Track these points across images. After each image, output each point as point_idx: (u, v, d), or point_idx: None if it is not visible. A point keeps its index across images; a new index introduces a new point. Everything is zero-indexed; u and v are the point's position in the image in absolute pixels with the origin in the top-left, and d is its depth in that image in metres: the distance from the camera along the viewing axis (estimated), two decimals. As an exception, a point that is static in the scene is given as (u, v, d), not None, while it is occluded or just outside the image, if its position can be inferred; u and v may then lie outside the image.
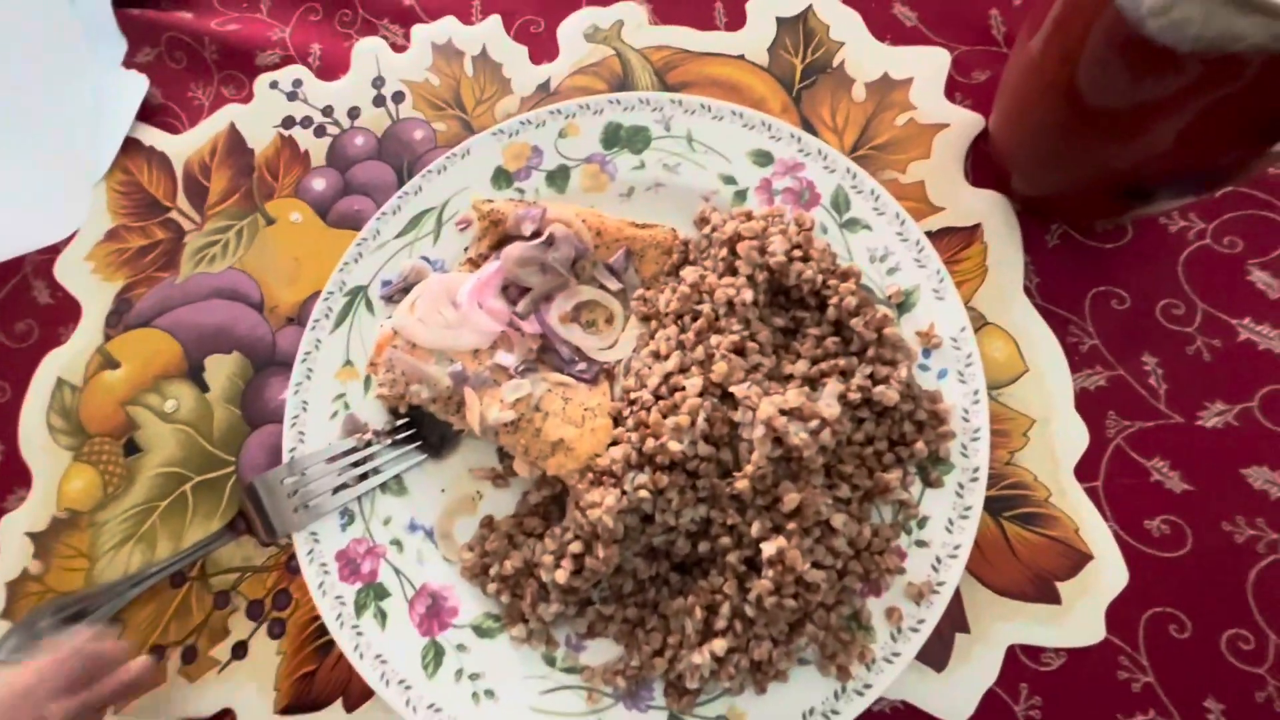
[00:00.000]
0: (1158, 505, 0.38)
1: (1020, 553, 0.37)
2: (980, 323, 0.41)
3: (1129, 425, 0.39)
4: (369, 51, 0.54)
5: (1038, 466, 0.39)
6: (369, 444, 0.41)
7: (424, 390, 0.38)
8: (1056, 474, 0.38)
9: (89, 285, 0.51)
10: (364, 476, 0.40)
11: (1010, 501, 0.38)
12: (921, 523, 0.36)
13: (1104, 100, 0.32)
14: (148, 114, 0.55)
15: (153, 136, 0.54)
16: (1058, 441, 0.39)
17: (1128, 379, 0.40)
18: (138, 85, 0.55)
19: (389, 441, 0.41)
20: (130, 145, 0.54)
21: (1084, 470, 0.38)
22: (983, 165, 0.45)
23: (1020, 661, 0.36)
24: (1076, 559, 0.37)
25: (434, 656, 0.37)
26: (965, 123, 0.46)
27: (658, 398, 0.36)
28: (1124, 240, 0.42)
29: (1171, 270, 0.42)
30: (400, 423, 0.41)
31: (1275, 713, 0.34)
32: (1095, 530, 0.37)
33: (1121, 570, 0.37)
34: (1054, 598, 0.37)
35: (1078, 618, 0.36)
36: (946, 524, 0.35)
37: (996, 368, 0.40)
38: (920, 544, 0.35)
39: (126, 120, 0.54)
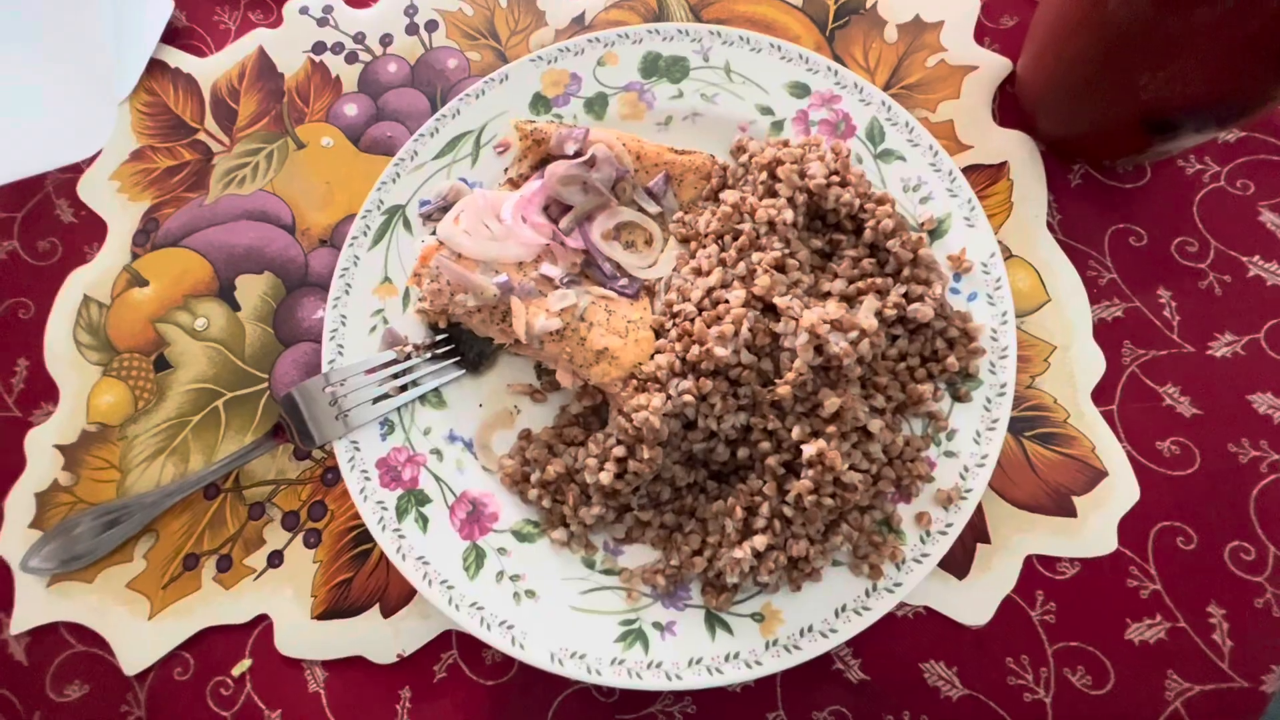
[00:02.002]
0: (1169, 428, 0.40)
1: (1040, 469, 0.39)
2: (1005, 255, 0.43)
3: (1143, 354, 0.41)
4: (401, -20, 0.53)
5: (1057, 390, 0.40)
6: (408, 357, 0.41)
7: (469, 299, 0.38)
8: (1075, 397, 0.40)
9: (115, 204, 0.50)
10: (403, 389, 0.41)
11: (1031, 422, 0.40)
12: (950, 435, 0.37)
13: (1137, 28, 0.33)
14: (172, 37, 0.54)
15: (178, 59, 0.53)
16: (1076, 367, 0.41)
17: (1143, 310, 0.42)
18: (162, 7, 0.54)
19: (428, 355, 0.41)
20: (155, 67, 0.53)
21: (1100, 394, 0.40)
22: (1009, 107, 0.46)
23: (1037, 570, 0.38)
24: (1092, 475, 0.39)
25: (475, 559, 0.38)
26: (993, 65, 0.47)
27: (701, 309, 0.37)
28: (1143, 181, 0.44)
29: (1187, 210, 0.43)
30: (439, 338, 0.42)
31: (1273, 618, 0.37)
32: (1110, 450, 0.39)
33: (1133, 487, 0.39)
34: (1070, 511, 0.38)
35: (1092, 530, 0.38)
36: (974, 436, 0.37)
37: (1020, 297, 0.42)
38: (949, 454, 0.37)
39: (151, 41, 0.53)
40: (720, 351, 0.35)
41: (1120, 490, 0.39)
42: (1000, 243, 0.43)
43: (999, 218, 0.44)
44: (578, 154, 0.41)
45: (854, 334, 0.35)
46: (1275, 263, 0.42)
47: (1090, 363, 0.41)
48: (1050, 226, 0.43)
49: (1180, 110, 0.36)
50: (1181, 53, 0.33)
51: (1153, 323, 0.41)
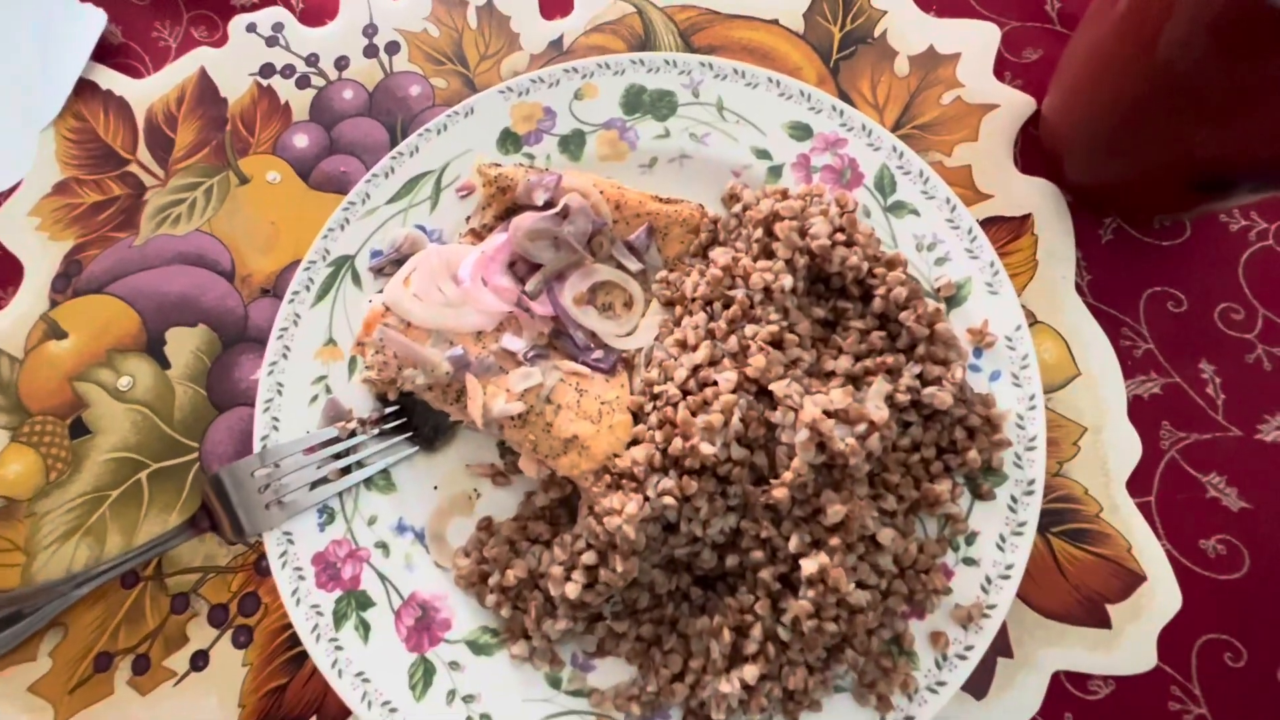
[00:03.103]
0: (1214, 524, 0.35)
1: (1069, 572, 0.35)
2: (1030, 321, 0.38)
3: (1184, 437, 0.36)
4: (360, -5, 0.48)
5: (1088, 479, 0.36)
6: (353, 433, 0.36)
7: (419, 375, 0.33)
8: (1108, 487, 0.36)
9: (33, 244, 0.45)
10: (346, 470, 0.36)
11: (1059, 516, 0.35)
12: (970, 539, 0.32)
13: (1198, 75, 0.29)
14: (104, 54, 0.49)
15: (110, 79, 0.48)
16: (1109, 452, 0.36)
17: (1183, 387, 0.37)
18: (94, 21, 0.49)
19: (376, 431, 0.36)
20: (84, 88, 0.48)
21: (1136, 484, 0.36)
22: (1032, 151, 0.41)
23: (1065, 689, 0.33)
24: (1128, 580, 0.34)
25: (423, 675, 0.33)
26: (1015, 104, 0.42)
27: (685, 393, 0.32)
28: (1182, 238, 0.39)
29: (1232, 272, 0.39)
30: (389, 410, 0.37)
31: (1333, 749, 0.32)
32: (1148, 549, 0.35)
33: (1175, 593, 0.34)
34: (1104, 621, 0.34)
35: (1128, 643, 0.34)
36: (998, 541, 0.32)
37: (1046, 370, 0.37)
38: (968, 561, 0.32)
39: (80, 59, 0.48)
40: (707, 449, 0.30)
41: (1160, 597, 0.34)
42: (1024, 307, 0.38)
43: (1022, 278, 0.39)
44: (548, 204, 0.36)
45: (861, 427, 0.30)
46: (1331, 334, 0.38)
47: (1125, 447, 0.36)
48: (1079, 289, 0.39)
49: (1240, 170, 0.32)
50: (1250, 108, 0.28)
51: (1195, 401, 0.37)
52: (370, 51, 0.47)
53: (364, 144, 0.45)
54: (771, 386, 0.30)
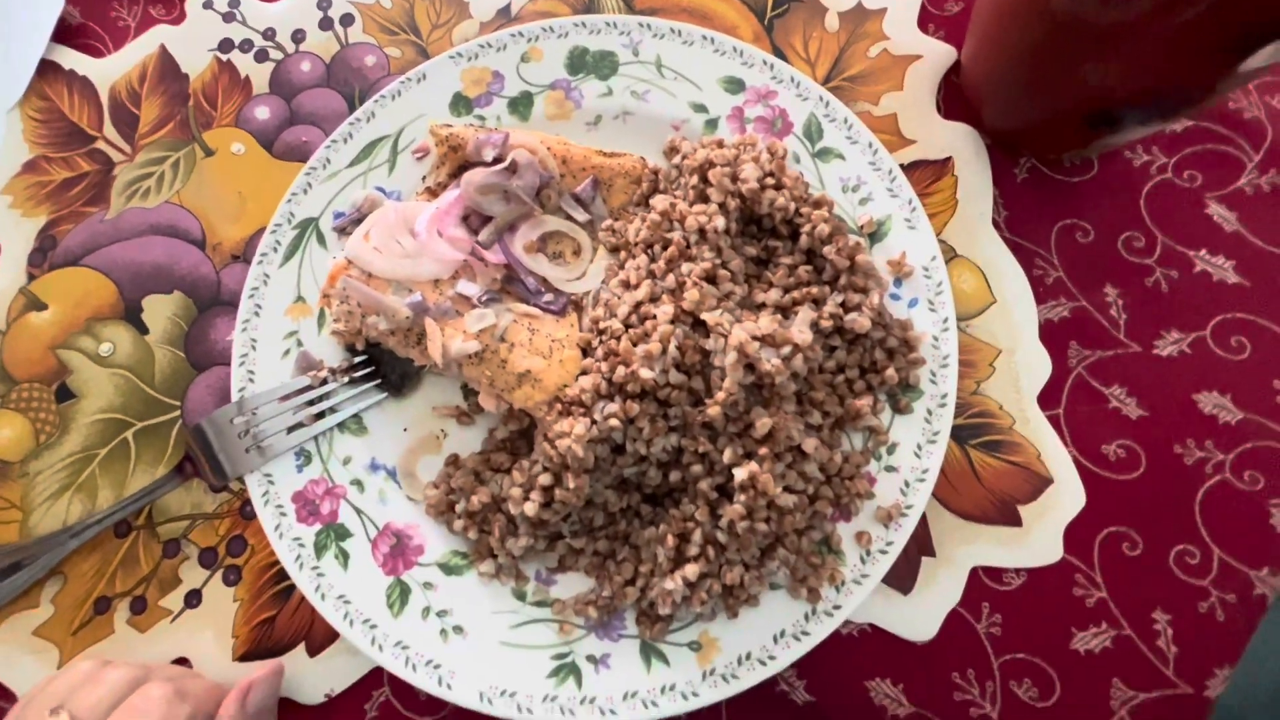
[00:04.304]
0: (1115, 431, 0.39)
1: (984, 478, 0.38)
2: (950, 255, 0.41)
3: (1090, 355, 0.40)
4: (313, -30, 0.50)
5: (1003, 395, 0.39)
6: (324, 382, 0.39)
7: (381, 322, 0.36)
8: (1020, 402, 0.39)
9: (7, 221, 0.46)
10: (320, 416, 0.39)
11: (976, 429, 0.39)
12: (891, 449, 0.36)
13: (1078, 17, 0.32)
14: (64, 35, 0.50)
15: (73, 59, 0.49)
16: (1022, 371, 0.40)
17: (1090, 310, 0.41)
18: (52, 3, 0.50)
19: (346, 379, 0.39)
20: (47, 69, 0.49)
21: (1046, 398, 0.39)
22: (954, 98, 0.44)
23: (982, 582, 0.37)
24: (1038, 483, 0.38)
25: (399, 595, 0.36)
26: (938, 54, 0.45)
27: (628, 326, 0.35)
28: (1090, 174, 0.43)
29: (1134, 203, 0.42)
30: (358, 360, 0.39)
31: (1217, 622, 0.36)
32: (1056, 456, 0.38)
33: (1079, 493, 0.38)
34: (1015, 520, 0.37)
35: (1037, 539, 0.37)
36: (915, 449, 0.35)
37: (965, 299, 0.41)
38: (889, 469, 0.35)
39: (41, 40, 0.49)
40: (646, 373, 0.33)
41: (1066, 497, 0.38)
42: (945, 242, 0.41)
43: (944, 216, 0.42)
44: (497, 160, 0.39)
45: (787, 349, 0.33)
46: (1222, 257, 0.41)
47: (1036, 366, 0.40)
48: (996, 224, 0.42)
49: (1123, 103, 0.35)
50: (1122, 44, 0.31)
51: (1100, 322, 0.40)
52: (325, 24, 0.49)
53: (323, 114, 0.47)
54: (704, 316, 0.33)
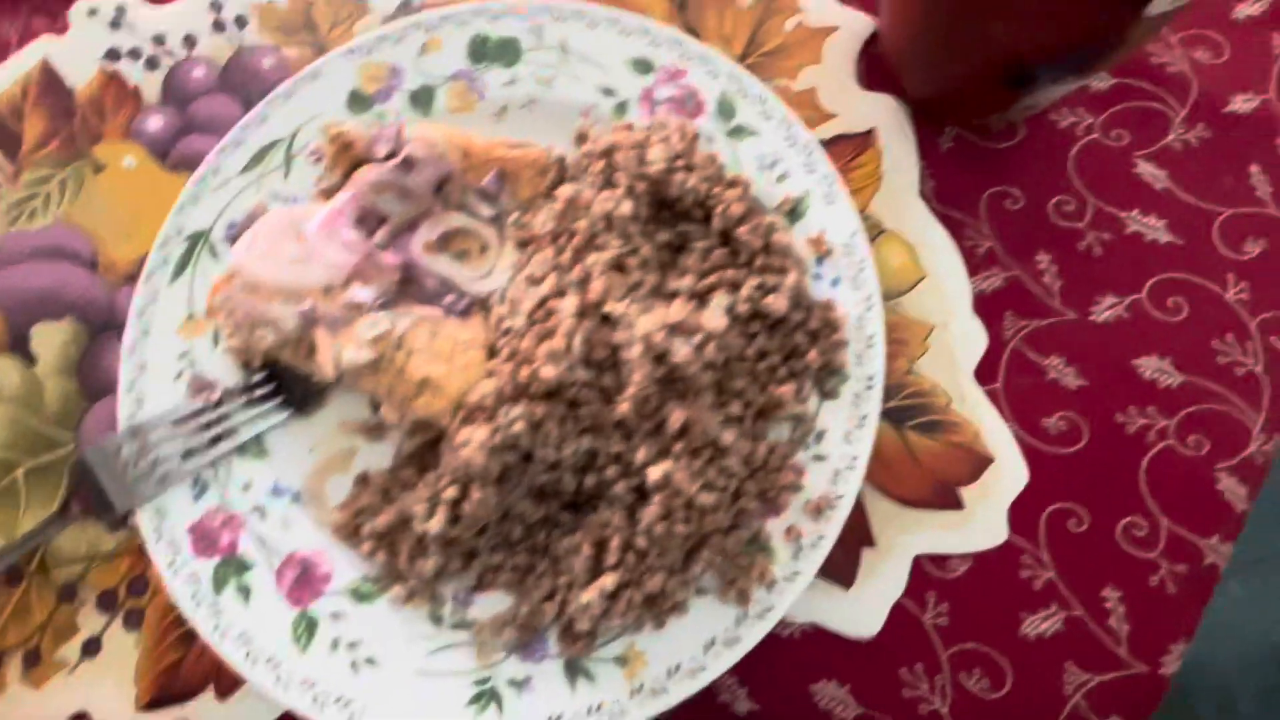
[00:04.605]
0: (1054, 402, 0.37)
1: (923, 461, 0.36)
2: (877, 230, 0.40)
3: (1026, 325, 0.38)
4: (203, -29, 0.47)
5: (938, 373, 0.38)
6: (219, 403, 0.36)
7: (269, 334, 0.33)
8: (957, 379, 0.37)
9: (-119, 253, 0.43)
10: (218, 440, 0.36)
11: (912, 411, 0.37)
12: (819, 436, 0.34)
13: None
14: (-59, 53, 0.47)
15: (-51, 79, 0.46)
16: (957, 346, 0.38)
17: (1023, 279, 0.39)
18: (-74, 19, 0.47)
19: (244, 400, 0.36)
20: (-78, 90, 0.46)
21: (983, 373, 0.38)
22: (875, 68, 0.43)
23: (926, 571, 0.35)
24: (978, 463, 0.36)
25: (306, 628, 0.33)
26: (855, 24, 0.43)
27: (533, 323, 0.33)
28: (1016, 139, 0.41)
29: (1062, 166, 0.41)
30: (256, 378, 0.37)
31: (1168, 596, 0.35)
32: (995, 433, 0.37)
33: (1021, 470, 0.36)
34: (957, 503, 0.36)
35: (980, 521, 0.36)
36: (844, 435, 0.34)
37: (894, 275, 0.39)
38: (818, 458, 0.34)
39: (-86, 60, 0.46)
40: (549, 372, 0.30)
41: (1008, 476, 0.36)
42: (871, 217, 0.40)
43: (869, 190, 0.40)
44: (391, 155, 0.36)
45: (699, 337, 0.31)
46: (1154, 217, 0.40)
47: (971, 340, 0.38)
48: (924, 195, 0.40)
49: (1036, 59, 0.33)
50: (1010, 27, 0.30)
51: (1033, 291, 0.39)
52: (218, 27, 0.46)
53: (220, 121, 0.44)
54: (608, 307, 0.31)
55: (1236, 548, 0.35)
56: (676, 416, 0.30)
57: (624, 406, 0.31)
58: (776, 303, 0.33)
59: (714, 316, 0.31)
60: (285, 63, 0.45)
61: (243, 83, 0.45)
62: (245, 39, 0.46)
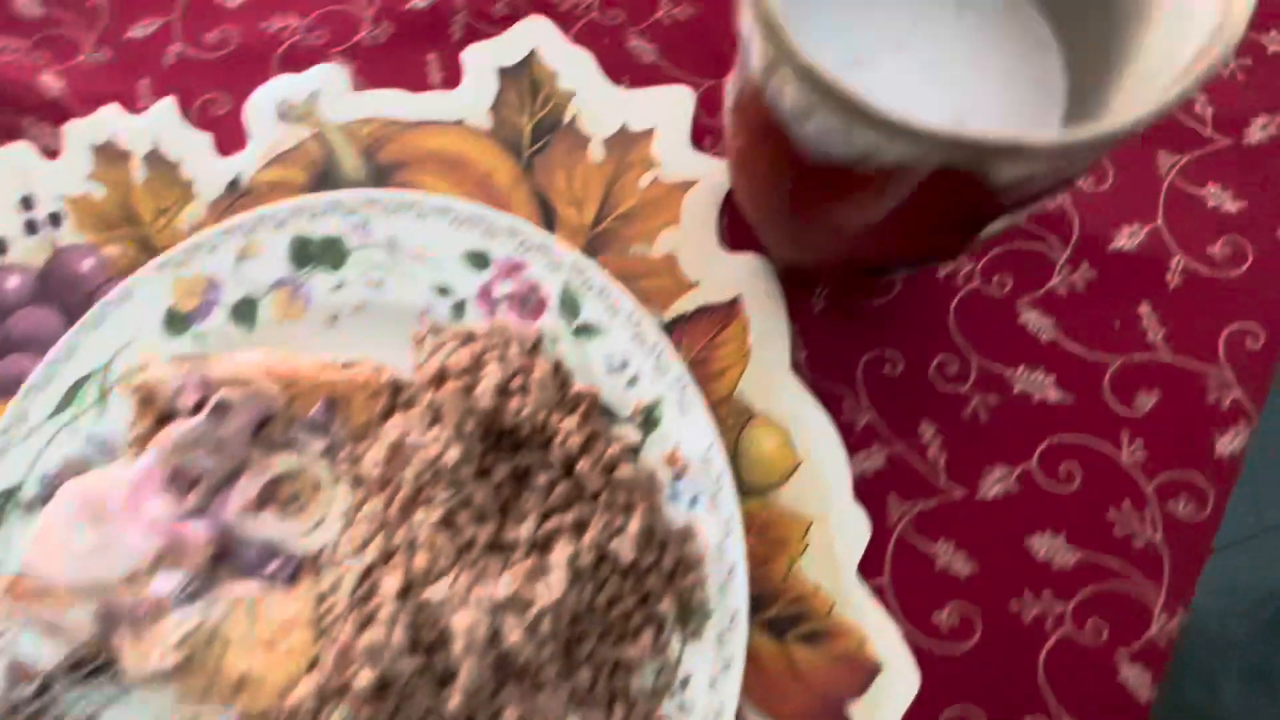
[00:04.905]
0: (945, 592, 0.35)
1: (806, 676, 0.34)
2: (746, 416, 0.37)
3: (910, 507, 0.36)
4: (11, 162, 0.43)
5: (819, 574, 0.35)
6: (43, 689, 0.33)
7: (61, 649, 0.30)
8: (839, 578, 0.35)
9: None
10: (47, 729, 0.33)
11: (793, 619, 0.35)
12: (685, 683, 0.31)
13: (805, 207, 0.27)
14: None
15: None
16: (838, 539, 0.35)
17: (906, 455, 0.36)
18: None
19: (70, 681, 0.34)
20: None
21: (868, 566, 0.35)
22: (738, 224, 0.40)
23: (819, 796, 0.33)
24: (865, 674, 0.34)
25: None
26: (714, 174, 0.40)
27: (356, 602, 0.30)
28: (893, 293, 0.38)
29: (943, 321, 0.38)
30: (82, 654, 0.34)
31: (1074, 800, 0.33)
32: (883, 635, 0.34)
33: (913, 676, 0.34)
34: (845, 721, 0.34)
35: (872, 738, 0.33)
36: (710, 681, 0.31)
37: (768, 465, 0.36)
38: (682, 708, 0.31)
39: None
40: (367, 675, 0.28)
41: (899, 684, 0.34)
42: (740, 401, 0.37)
43: (736, 370, 0.37)
44: (200, 405, 0.33)
45: (533, 613, 0.28)
46: (1040, 371, 0.37)
47: (853, 530, 0.35)
48: (796, 367, 0.37)
49: (882, 264, 0.30)
50: (853, 223, 0.27)
51: (917, 468, 0.36)
52: (31, 228, 0.42)
53: (39, 337, 0.41)
54: (426, 594, 0.28)
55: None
56: (510, 715, 0.28)
57: (453, 701, 0.28)
58: (622, 550, 0.30)
59: (550, 585, 0.29)
60: (106, 263, 0.42)
61: (60, 291, 0.41)
62: (61, 238, 0.42)
